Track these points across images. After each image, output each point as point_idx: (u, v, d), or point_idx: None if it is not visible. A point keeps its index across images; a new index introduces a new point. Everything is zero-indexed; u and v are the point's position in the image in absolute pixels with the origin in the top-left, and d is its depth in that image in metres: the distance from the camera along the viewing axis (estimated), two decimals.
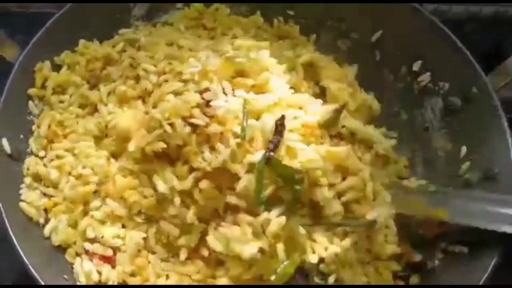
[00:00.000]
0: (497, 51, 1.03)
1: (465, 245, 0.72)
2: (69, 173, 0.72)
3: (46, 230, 0.69)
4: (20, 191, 0.70)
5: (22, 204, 0.69)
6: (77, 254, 0.69)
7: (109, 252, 0.67)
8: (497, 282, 0.67)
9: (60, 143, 0.74)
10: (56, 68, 0.81)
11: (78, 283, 0.66)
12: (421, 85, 0.88)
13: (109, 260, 0.67)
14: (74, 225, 0.69)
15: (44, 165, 0.73)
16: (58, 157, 0.73)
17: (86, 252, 0.68)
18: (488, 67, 0.81)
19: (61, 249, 0.69)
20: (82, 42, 0.83)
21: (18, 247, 0.63)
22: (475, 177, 0.78)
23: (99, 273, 0.67)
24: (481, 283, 0.64)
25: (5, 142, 0.70)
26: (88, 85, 0.79)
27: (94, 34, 0.84)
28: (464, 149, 0.81)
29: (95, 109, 0.78)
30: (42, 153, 0.74)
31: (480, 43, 1.06)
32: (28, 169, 0.72)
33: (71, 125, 0.76)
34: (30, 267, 0.62)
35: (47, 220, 0.70)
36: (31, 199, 0.70)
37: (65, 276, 0.67)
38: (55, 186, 0.72)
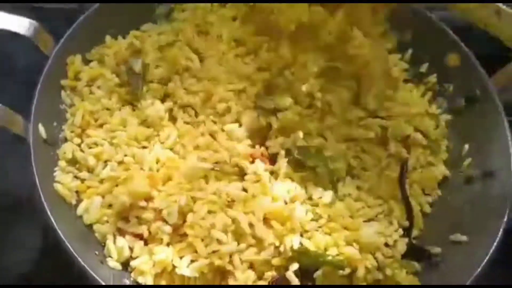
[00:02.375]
0: (501, 54, 1.08)
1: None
2: (106, 161, 0.77)
3: (79, 210, 0.74)
4: (54, 174, 0.75)
5: (56, 185, 0.74)
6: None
7: (142, 231, 0.72)
8: (494, 280, 0.73)
9: (95, 131, 0.79)
10: (87, 62, 0.86)
11: (108, 259, 0.71)
12: (428, 86, 0.94)
13: (142, 237, 0.72)
14: (107, 205, 0.74)
15: (81, 150, 0.78)
16: (96, 144, 0.78)
17: (119, 230, 0.73)
18: (492, 70, 0.87)
19: (92, 228, 0.74)
20: (108, 37, 0.89)
21: (54, 223, 0.67)
22: (475, 174, 0.83)
23: (131, 249, 0.71)
24: (482, 265, 0.69)
25: (41, 128, 0.75)
26: (118, 78, 0.84)
27: (119, 31, 0.90)
28: (466, 147, 0.86)
29: (128, 103, 0.83)
30: (77, 140, 0.79)
31: (484, 47, 1.11)
32: (64, 153, 0.76)
33: (103, 116, 0.81)
34: (65, 241, 0.66)
35: (78, 202, 0.76)
36: (64, 181, 0.75)
37: (96, 252, 0.72)
38: (90, 171, 0.77)
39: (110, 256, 0.72)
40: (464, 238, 0.77)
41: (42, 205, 0.69)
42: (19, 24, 0.78)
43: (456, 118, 0.90)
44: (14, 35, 0.78)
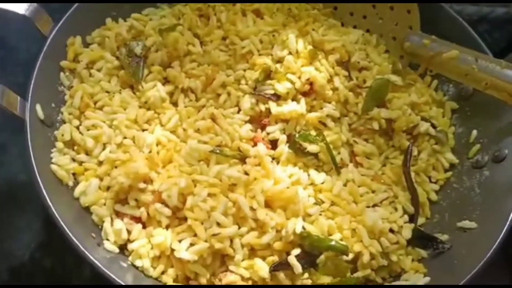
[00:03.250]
0: (509, 46, 1.07)
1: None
2: (105, 143, 0.75)
3: (76, 192, 0.72)
4: (51, 155, 0.74)
5: (53, 167, 0.72)
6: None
7: (140, 214, 0.70)
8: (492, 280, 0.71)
9: (94, 113, 0.77)
10: (86, 45, 0.85)
11: (105, 242, 0.69)
12: (433, 73, 0.92)
13: (140, 220, 0.70)
14: (104, 188, 0.72)
15: (80, 133, 0.76)
16: (95, 126, 0.76)
17: (117, 213, 0.71)
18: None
19: (89, 211, 0.72)
20: (108, 20, 0.87)
21: (50, 203, 0.66)
22: (484, 160, 0.81)
23: (129, 232, 0.70)
24: (491, 252, 0.67)
25: (38, 108, 0.74)
26: (118, 61, 0.82)
27: (121, 15, 0.88)
28: (474, 133, 0.84)
29: (129, 86, 0.82)
30: (75, 122, 0.77)
31: (493, 41, 1.11)
32: (62, 135, 0.74)
33: (102, 98, 0.79)
34: (61, 223, 0.65)
35: (75, 184, 0.74)
36: (62, 162, 0.73)
37: (93, 234, 0.70)
38: (88, 153, 0.75)
39: (107, 239, 0.70)
40: (472, 224, 0.75)
41: (39, 187, 0.67)
42: (18, 4, 0.77)
43: (463, 104, 0.88)
44: (14, 16, 0.77)
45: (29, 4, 0.77)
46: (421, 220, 0.80)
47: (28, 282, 0.83)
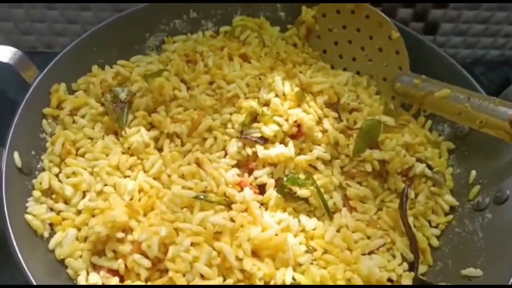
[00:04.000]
0: (505, 84, 1.06)
1: None
2: (85, 191, 0.72)
3: (51, 244, 0.68)
4: (27, 204, 0.70)
5: (27, 217, 0.68)
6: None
7: (117, 266, 0.65)
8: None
9: (75, 160, 0.75)
10: (71, 93, 0.84)
11: None
12: (426, 113, 0.89)
13: (117, 274, 0.65)
14: (82, 239, 0.68)
15: (59, 181, 0.73)
16: (75, 174, 0.73)
17: (93, 266, 0.67)
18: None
19: (64, 263, 0.68)
20: (95, 67, 0.87)
21: (20, 258, 0.62)
22: (486, 201, 0.77)
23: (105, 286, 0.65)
24: None
25: (16, 156, 0.71)
26: (102, 107, 0.81)
27: (107, 62, 0.88)
28: (473, 173, 0.80)
29: (113, 132, 0.80)
30: (55, 170, 0.74)
31: (489, 82, 1.11)
32: (40, 183, 0.71)
33: (84, 145, 0.77)
34: (31, 278, 0.60)
35: (51, 235, 0.70)
36: (37, 212, 0.69)
37: None
38: (66, 202, 0.72)
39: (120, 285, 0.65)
40: (478, 272, 0.69)
41: (10, 239, 0.63)
42: (1, 52, 0.77)
43: (460, 144, 0.85)
44: None
45: (12, 51, 0.77)
46: (423, 268, 0.75)
47: None
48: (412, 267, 0.72)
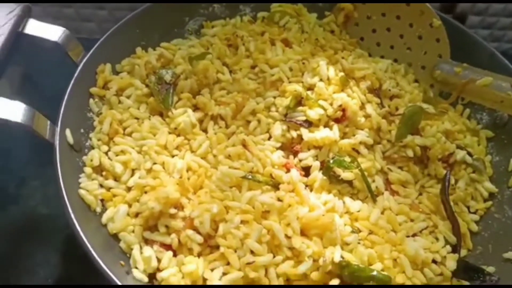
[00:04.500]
0: None
1: None
2: (134, 169, 0.73)
3: (104, 218, 0.69)
4: (80, 180, 0.72)
5: (81, 192, 0.70)
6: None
7: (170, 241, 0.67)
8: None
9: (123, 139, 0.76)
10: (115, 74, 0.85)
11: (133, 270, 0.66)
12: (465, 102, 0.90)
13: (170, 247, 0.67)
14: (133, 215, 0.70)
15: (109, 158, 0.74)
16: (124, 152, 0.75)
17: (145, 241, 0.68)
18: None
19: (117, 238, 0.69)
20: (138, 49, 0.88)
21: (79, 230, 0.63)
22: None
23: (159, 260, 0.66)
24: None
25: (68, 132, 0.72)
26: (147, 89, 0.82)
27: (149, 44, 0.89)
28: None
29: (158, 113, 0.81)
30: (104, 148, 0.76)
31: None
32: (91, 160, 0.73)
33: (131, 125, 0.78)
34: (91, 249, 0.62)
35: (103, 211, 0.71)
36: (90, 187, 0.71)
37: (122, 262, 0.66)
38: (117, 179, 0.73)
39: (136, 267, 0.66)
40: None
41: (68, 212, 0.65)
42: (50, 31, 0.78)
43: (499, 132, 0.86)
44: (46, 42, 0.78)
45: (61, 30, 0.78)
46: (463, 252, 0.75)
47: None
48: (455, 249, 0.73)
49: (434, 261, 0.70)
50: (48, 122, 0.72)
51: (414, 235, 0.73)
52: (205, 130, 0.80)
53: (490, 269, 0.71)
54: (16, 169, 0.94)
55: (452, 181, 0.81)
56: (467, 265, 0.71)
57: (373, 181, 0.78)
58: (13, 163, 0.95)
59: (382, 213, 0.74)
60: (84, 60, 0.80)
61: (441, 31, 0.89)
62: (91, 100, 0.80)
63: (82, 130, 0.77)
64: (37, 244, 0.86)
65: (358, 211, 0.74)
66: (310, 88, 0.82)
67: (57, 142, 0.70)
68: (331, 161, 0.75)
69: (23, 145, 0.94)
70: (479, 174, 0.82)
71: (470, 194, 0.81)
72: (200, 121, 0.81)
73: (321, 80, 0.82)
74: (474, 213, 0.81)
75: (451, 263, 0.70)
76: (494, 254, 0.74)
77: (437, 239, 0.74)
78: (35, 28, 0.77)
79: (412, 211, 0.76)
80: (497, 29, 1.17)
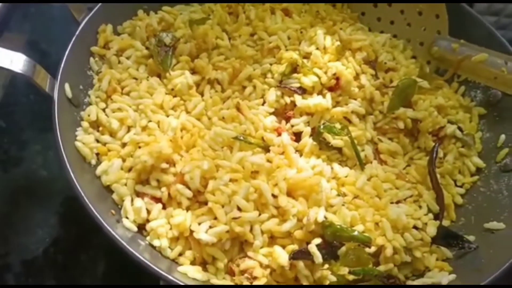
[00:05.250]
0: None
1: None
2: (130, 126, 0.76)
3: (98, 170, 0.72)
4: (76, 133, 0.74)
5: (77, 144, 0.72)
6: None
7: (160, 194, 0.69)
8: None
9: (121, 97, 0.78)
10: (117, 35, 0.87)
11: (124, 219, 0.69)
12: (460, 79, 0.91)
13: (160, 201, 0.69)
14: (126, 169, 0.72)
15: (106, 115, 0.77)
16: (121, 109, 0.77)
17: (137, 194, 0.71)
18: None
19: (110, 190, 0.72)
20: (140, 11, 0.89)
21: (73, 178, 0.66)
22: None
23: (148, 212, 0.69)
24: None
25: (67, 87, 0.75)
26: (147, 51, 0.84)
27: (151, 8, 0.91)
28: (503, 137, 0.83)
29: (157, 74, 0.82)
30: (101, 105, 0.78)
31: None
32: (89, 115, 0.75)
33: (130, 84, 0.80)
34: (83, 196, 0.64)
35: (98, 164, 0.74)
36: (86, 140, 0.73)
37: (112, 211, 0.69)
38: (112, 135, 0.76)
39: (126, 217, 0.69)
40: (500, 225, 0.72)
41: (63, 161, 0.67)
42: None
43: (491, 110, 0.87)
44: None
45: None
46: (445, 223, 0.77)
47: (39, 276, 0.82)
48: (437, 218, 0.75)
49: (415, 227, 0.72)
50: (48, 75, 0.74)
51: (398, 202, 0.75)
52: (201, 93, 0.82)
53: (470, 238, 0.73)
54: (18, 132, 0.97)
55: (441, 155, 0.82)
56: (447, 232, 0.73)
57: (363, 150, 0.80)
58: (16, 127, 0.98)
59: (369, 180, 0.76)
60: (86, 19, 0.82)
61: (441, 7, 0.89)
62: (91, 59, 0.82)
63: (81, 87, 0.79)
64: (37, 206, 0.88)
65: (346, 177, 0.75)
66: (306, 56, 0.84)
67: (55, 95, 0.72)
68: (322, 127, 0.77)
69: (26, 110, 0.98)
70: (468, 149, 0.84)
71: (458, 168, 0.83)
72: (197, 85, 0.83)
73: (317, 48, 0.83)
74: (461, 186, 0.82)
75: (432, 229, 0.71)
76: (476, 224, 0.76)
77: (420, 207, 0.75)
78: None
79: (399, 180, 0.77)
80: (504, 17, 1.17)
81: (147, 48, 0.85)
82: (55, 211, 0.88)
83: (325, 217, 0.68)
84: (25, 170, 0.93)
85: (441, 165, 0.82)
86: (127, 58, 0.84)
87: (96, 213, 0.62)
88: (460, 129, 0.84)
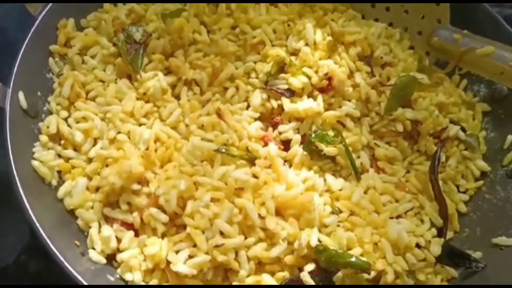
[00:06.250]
0: None
1: None
2: (96, 137, 0.67)
3: (60, 192, 0.63)
4: (33, 149, 0.65)
5: (34, 163, 0.63)
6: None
7: (132, 220, 0.61)
8: None
9: (85, 104, 0.69)
10: (80, 30, 0.76)
11: (90, 251, 0.61)
12: (462, 72, 0.84)
13: (132, 227, 0.61)
14: (93, 189, 0.64)
15: (68, 125, 0.68)
16: (85, 119, 0.67)
17: (105, 218, 0.63)
18: None
19: (74, 214, 0.63)
20: (106, 4, 0.79)
21: (27, 205, 0.57)
22: None
23: (118, 240, 0.61)
24: None
25: (21, 96, 0.65)
26: (115, 48, 0.74)
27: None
28: (510, 138, 0.76)
29: (126, 76, 0.73)
30: (63, 114, 0.69)
31: None
32: (48, 127, 0.66)
33: (95, 88, 0.71)
34: (39, 229, 0.56)
35: (60, 183, 0.65)
36: (45, 158, 0.64)
37: (77, 242, 0.61)
38: (76, 148, 0.67)
39: (93, 248, 0.61)
40: (510, 241, 0.66)
41: (15, 185, 0.58)
42: None
43: (496, 106, 0.80)
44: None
45: None
46: (449, 234, 0.71)
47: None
48: (441, 233, 0.69)
49: (417, 245, 0.65)
50: None
51: (398, 216, 0.68)
52: (177, 97, 0.73)
53: (477, 254, 0.67)
54: None
55: (443, 159, 0.75)
56: (452, 250, 0.66)
57: (358, 157, 0.72)
58: None
59: (366, 192, 0.69)
60: (43, 12, 0.72)
61: None
62: (50, 59, 0.73)
63: (39, 93, 0.70)
64: (3, 209, 0.78)
65: (340, 190, 0.68)
66: (294, 53, 0.75)
67: (7, 107, 0.63)
68: (313, 135, 0.69)
69: None
70: (472, 151, 0.77)
71: (461, 173, 0.76)
72: (173, 86, 0.74)
73: (306, 44, 0.74)
74: (464, 192, 0.76)
75: (436, 248, 0.65)
76: (482, 238, 0.70)
77: (422, 221, 0.69)
78: None
79: (398, 191, 0.70)
80: (508, 7, 1.08)
81: (114, 44, 0.75)
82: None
83: (319, 240, 0.61)
84: None
85: (443, 170, 0.75)
86: (92, 57, 0.74)
87: (55, 250, 0.54)
88: (462, 129, 0.77)
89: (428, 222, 0.69)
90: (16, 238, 0.78)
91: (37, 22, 0.70)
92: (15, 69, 0.66)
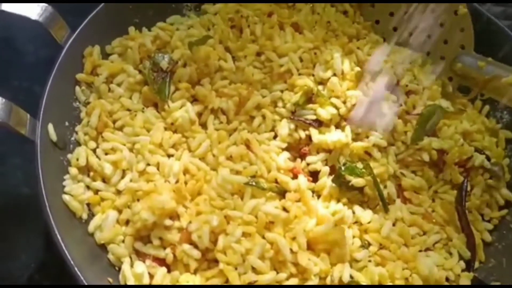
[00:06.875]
0: None
1: None
2: (125, 169, 0.66)
3: (91, 227, 0.63)
4: (64, 183, 0.65)
5: (65, 197, 0.63)
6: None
7: (164, 255, 0.61)
8: None
9: (113, 135, 0.68)
10: (105, 56, 0.76)
11: None
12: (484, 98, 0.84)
13: (164, 262, 0.61)
14: (123, 222, 0.64)
15: (97, 157, 0.67)
16: (114, 150, 0.67)
17: (137, 253, 0.63)
18: None
19: (105, 248, 0.63)
20: (131, 28, 0.79)
21: (60, 241, 0.57)
22: None
23: (151, 276, 0.60)
24: None
25: (51, 128, 0.65)
26: (141, 75, 0.74)
27: (144, 23, 0.80)
28: None
29: (153, 104, 0.73)
30: (91, 144, 0.68)
31: None
32: (77, 159, 0.66)
33: (123, 117, 0.70)
34: (73, 264, 0.56)
35: (90, 216, 0.65)
36: (75, 192, 0.64)
37: (109, 279, 0.60)
38: (106, 180, 0.66)
39: (125, 284, 0.61)
40: None
41: (48, 219, 0.58)
42: (30, 8, 0.69)
43: None
44: (25, 21, 0.68)
45: (42, 7, 0.68)
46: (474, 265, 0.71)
47: None
48: (469, 266, 0.69)
49: (447, 279, 0.66)
50: (28, 116, 0.64)
51: (427, 249, 0.68)
52: (203, 125, 0.73)
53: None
54: None
55: (468, 188, 0.75)
56: (481, 286, 0.66)
57: (385, 187, 0.72)
58: None
59: (394, 224, 0.69)
60: (70, 41, 0.71)
61: (467, 20, 0.81)
62: (77, 88, 0.72)
63: (67, 123, 0.69)
64: (19, 226, 0.79)
65: (369, 222, 0.68)
66: (322, 82, 0.75)
67: (38, 140, 0.62)
68: (343, 168, 0.69)
69: None
70: (497, 180, 0.77)
71: (486, 202, 0.76)
72: (199, 114, 0.73)
73: (334, 74, 0.74)
74: (488, 221, 0.76)
75: (465, 282, 0.65)
76: (508, 269, 0.70)
77: (450, 253, 0.69)
78: (13, 5, 0.68)
79: (425, 222, 0.70)
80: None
81: (140, 71, 0.75)
82: (39, 232, 0.77)
83: (351, 276, 0.61)
84: (4, 187, 0.82)
85: (468, 199, 0.75)
86: (118, 85, 0.74)
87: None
88: (487, 157, 0.77)
89: (456, 254, 0.69)
90: (30, 256, 0.76)
91: (63, 51, 0.70)
92: (44, 100, 0.65)
